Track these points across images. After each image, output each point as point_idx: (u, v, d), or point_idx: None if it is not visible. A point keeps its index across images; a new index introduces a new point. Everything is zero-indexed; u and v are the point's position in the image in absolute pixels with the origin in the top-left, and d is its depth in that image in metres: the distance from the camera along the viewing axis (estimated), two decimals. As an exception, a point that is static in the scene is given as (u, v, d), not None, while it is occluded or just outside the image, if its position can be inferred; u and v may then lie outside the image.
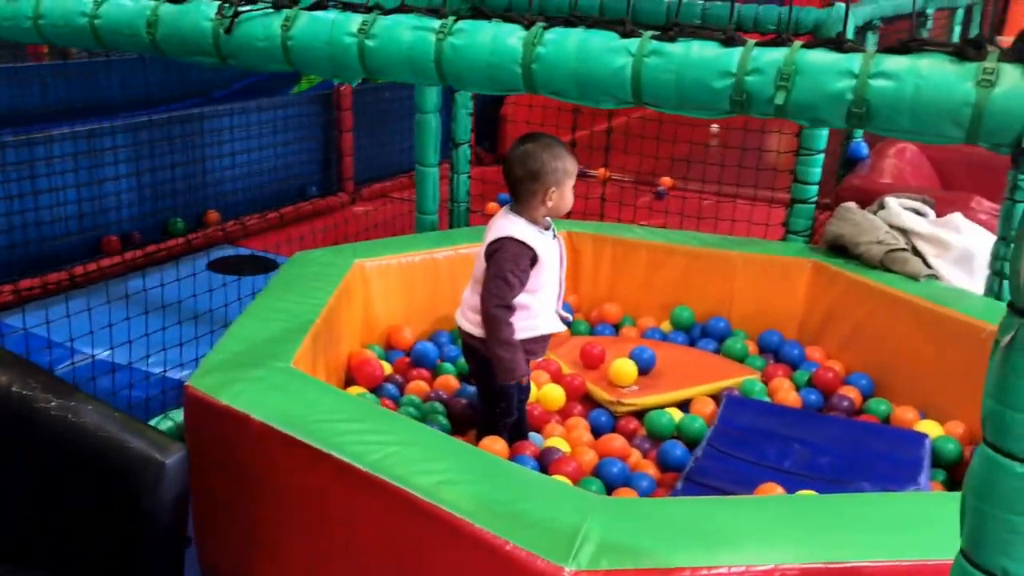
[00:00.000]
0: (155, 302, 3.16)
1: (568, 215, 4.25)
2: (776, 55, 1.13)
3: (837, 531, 1.66)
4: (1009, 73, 1.04)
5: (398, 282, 3.22)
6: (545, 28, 1.24)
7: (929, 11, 5.20)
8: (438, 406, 2.77)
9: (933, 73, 1.07)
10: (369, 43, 1.33)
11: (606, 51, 1.21)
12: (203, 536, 2.21)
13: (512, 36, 1.26)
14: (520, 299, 2.37)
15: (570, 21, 1.23)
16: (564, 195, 2.36)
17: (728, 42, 1.16)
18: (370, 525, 1.80)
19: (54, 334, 2.98)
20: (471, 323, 2.43)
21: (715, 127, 6.77)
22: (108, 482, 1.72)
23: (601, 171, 5.84)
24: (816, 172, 3.44)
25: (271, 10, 1.39)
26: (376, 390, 2.84)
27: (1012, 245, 1.05)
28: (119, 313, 3.05)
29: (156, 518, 1.72)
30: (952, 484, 2.54)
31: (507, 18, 1.27)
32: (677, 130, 4.38)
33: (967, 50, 1.06)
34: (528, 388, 2.63)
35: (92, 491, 1.74)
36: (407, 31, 1.31)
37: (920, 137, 1.10)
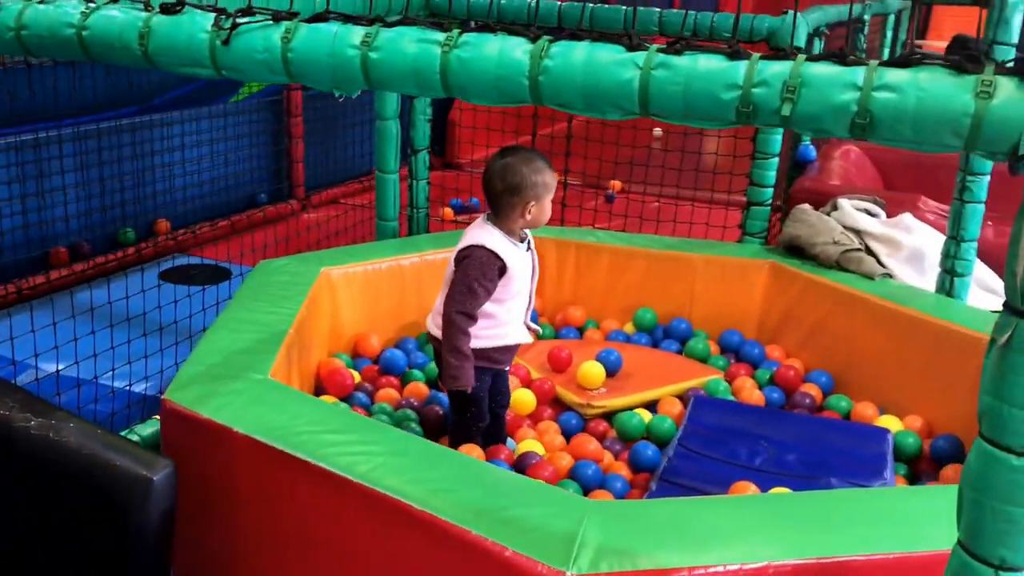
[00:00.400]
0: (111, 315, 3.09)
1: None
2: (781, 68, 1.17)
3: (826, 527, 1.71)
4: (1005, 85, 1.09)
5: (364, 290, 3.21)
6: (551, 41, 1.26)
7: (866, 17, 5.38)
8: (410, 414, 2.77)
9: (934, 85, 1.12)
10: (373, 55, 1.33)
11: (614, 64, 1.23)
12: (182, 551, 2.16)
13: (518, 49, 1.27)
14: (488, 308, 2.39)
15: (575, 35, 1.25)
16: (543, 209, 2.38)
17: (734, 55, 1.20)
18: (363, 537, 1.79)
19: (5, 350, 2.89)
20: (439, 328, 2.44)
21: (658, 131, 6.87)
22: (94, 500, 1.68)
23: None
24: (771, 175, 3.53)
25: (270, 22, 1.38)
26: (346, 399, 2.82)
27: (1010, 250, 1.11)
28: (78, 327, 2.98)
29: (144, 536, 1.69)
30: (913, 477, 2.63)
31: (511, 31, 1.28)
32: (624, 134, 4.44)
33: (964, 63, 1.11)
34: (508, 395, 2.65)
35: (77, 510, 1.70)
36: (411, 43, 1.32)
37: (920, 146, 1.15)
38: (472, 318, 2.34)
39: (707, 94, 1.20)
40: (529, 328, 2.53)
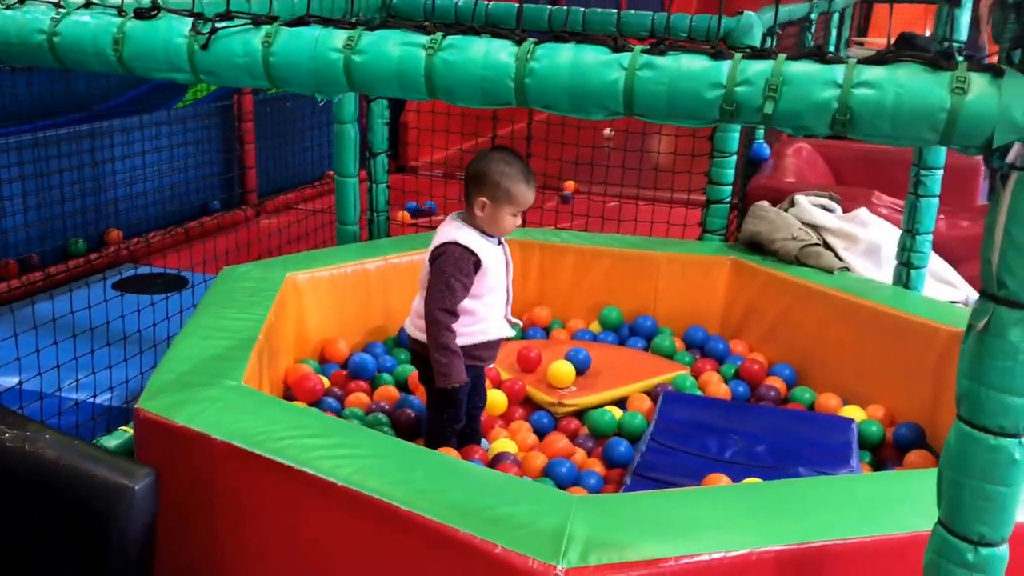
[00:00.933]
0: (68, 327, 3.02)
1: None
2: (763, 67, 1.21)
3: (804, 514, 1.75)
4: (978, 81, 1.14)
5: (330, 294, 3.19)
6: (536, 44, 1.28)
7: (813, 16, 5.50)
8: (382, 418, 2.76)
9: (911, 82, 1.16)
10: (356, 59, 1.34)
11: (600, 65, 1.25)
12: (163, 561, 2.13)
13: (504, 51, 1.29)
14: (467, 304, 2.40)
15: (559, 36, 1.27)
16: (496, 214, 2.37)
17: (717, 55, 1.23)
18: (349, 540, 1.79)
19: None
20: (419, 329, 2.44)
21: (608, 131, 6.94)
22: (74, 512, 1.65)
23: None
24: (729, 173, 3.59)
25: (250, 26, 1.38)
26: (316, 405, 2.80)
27: (989, 235, 1.16)
28: (35, 340, 2.91)
29: (126, 546, 1.67)
30: (878, 465, 2.70)
31: (496, 33, 1.30)
32: (584, 134, 4.47)
33: (940, 60, 1.15)
34: (484, 397, 2.65)
35: (58, 522, 1.67)
36: (395, 46, 1.32)
37: (898, 141, 1.19)
38: (454, 314, 2.35)
39: (691, 93, 1.23)
40: (510, 322, 2.54)
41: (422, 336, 2.43)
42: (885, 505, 1.80)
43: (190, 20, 1.43)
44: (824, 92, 1.18)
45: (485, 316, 2.45)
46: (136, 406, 2.06)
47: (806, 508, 1.79)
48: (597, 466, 2.63)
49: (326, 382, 2.94)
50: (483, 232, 2.41)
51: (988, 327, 1.17)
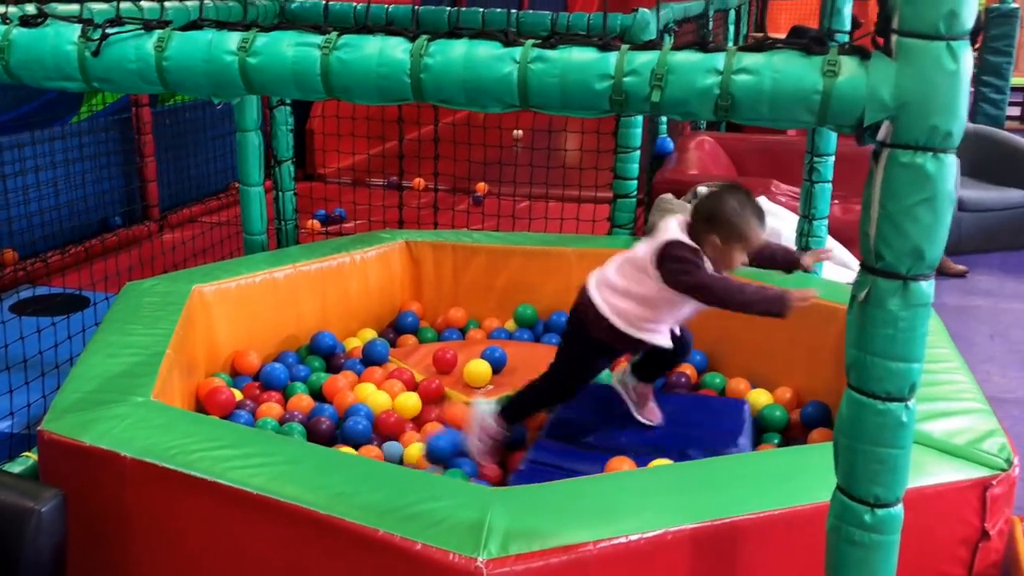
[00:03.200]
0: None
1: (400, 225, 4.33)
2: (649, 57, 1.25)
3: (714, 491, 1.81)
4: (848, 64, 1.20)
5: (239, 305, 3.13)
6: (430, 40, 1.29)
7: (710, 12, 5.66)
8: (297, 427, 2.72)
9: (786, 66, 1.22)
10: (252, 60, 1.33)
11: (492, 59, 1.28)
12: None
13: (398, 48, 1.30)
14: (657, 299, 2.38)
15: (454, 33, 1.29)
16: (727, 253, 2.33)
17: (604, 47, 1.26)
18: (270, 549, 1.77)
19: None
20: (606, 304, 2.44)
21: (518, 132, 7.00)
22: (-24, 542, 1.59)
23: (418, 181, 5.90)
24: (634, 168, 3.67)
25: (142, 31, 1.35)
26: (229, 418, 2.75)
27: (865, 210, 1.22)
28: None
29: (34, 570, 1.62)
30: (786, 444, 2.79)
31: (390, 32, 1.31)
32: (490, 134, 4.50)
33: (812, 45, 1.21)
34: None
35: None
36: (290, 47, 1.32)
37: (778, 124, 1.25)
38: (717, 279, 2.31)
39: (582, 84, 1.26)
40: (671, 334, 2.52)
41: (603, 308, 2.44)
42: (792, 478, 1.87)
43: (79, 27, 1.40)
44: (706, 79, 1.23)
45: (660, 320, 2.44)
46: (39, 428, 1.99)
47: (717, 485, 1.85)
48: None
49: (238, 394, 2.89)
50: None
51: (869, 298, 1.24)
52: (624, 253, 2.53)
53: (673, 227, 2.38)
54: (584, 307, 2.52)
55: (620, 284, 2.46)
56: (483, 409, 2.55)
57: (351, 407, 2.80)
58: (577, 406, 2.78)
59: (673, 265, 2.31)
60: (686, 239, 2.34)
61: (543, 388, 2.60)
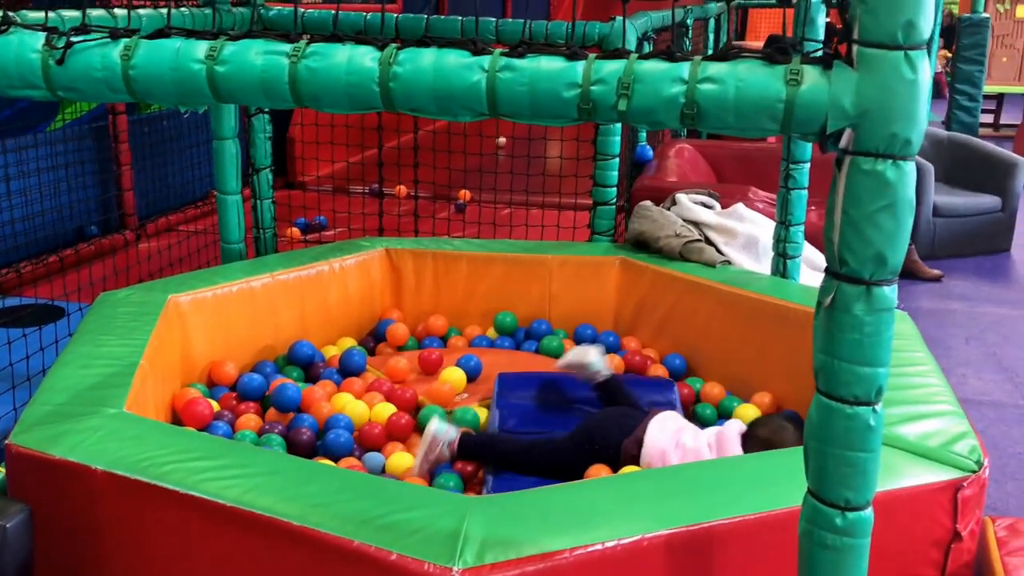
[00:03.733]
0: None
1: (381, 233, 4.32)
2: (616, 66, 1.25)
3: (689, 497, 1.81)
4: (811, 73, 1.21)
5: (215, 315, 3.11)
6: (399, 48, 1.29)
7: (689, 22, 5.70)
8: (276, 438, 2.71)
9: (750, 75, 1.23)
10: (220, 69, 1.32)
11: (461, 68, 1.28)
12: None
13: (367, 57, 1.30)
14: None
15: (422, 41, 1.29)
16: None
17: (572, 56, 1.27)
18: (246, 561, 1.75)
19: None
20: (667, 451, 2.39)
21: (501, 140, 7.01)
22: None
23: (400, 188, 5.90)
24: (614, 176, 3.68)
25: (108, 40, 1.35)
26: (206, 430, 2.73)
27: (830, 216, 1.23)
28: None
29: (2, 589, 1.60)
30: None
31: (359, 40, 1.31)
32: (471, 142, 4.51)
33: (775, 55, 1.22)
34: None
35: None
36: (258, 55, 1.32)
37: (744, 132, 1.26)
38: None
39: (550, 93, 1.27)
40: None
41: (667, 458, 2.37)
42: (766, 483, 1.88)
43: (43, 35, 1.39)
44: (672, 88, 1.24)
45: None
46: (7, 442, 1.97)
47: (692, 491, 1.85)
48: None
49: (215, 406, 2.87)
50: None
51: (834, 303, 1.25)
52: (693, 435, 2.44)
53: (734, 439, 2.37)
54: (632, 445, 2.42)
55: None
56: (441, 433, 2.50)
57: (331, 418, 2.78)
58: (523, 392, 2.81)
59: None
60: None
61: (510, 453, 2.49)
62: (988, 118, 10.02)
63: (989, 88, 9.37)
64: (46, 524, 1.91)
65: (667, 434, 2.40)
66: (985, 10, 7.98)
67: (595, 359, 2.44)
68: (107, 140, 5.38)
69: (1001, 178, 5.67)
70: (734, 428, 2.42)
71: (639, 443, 2.37)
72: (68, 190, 5.05)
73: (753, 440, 2.37)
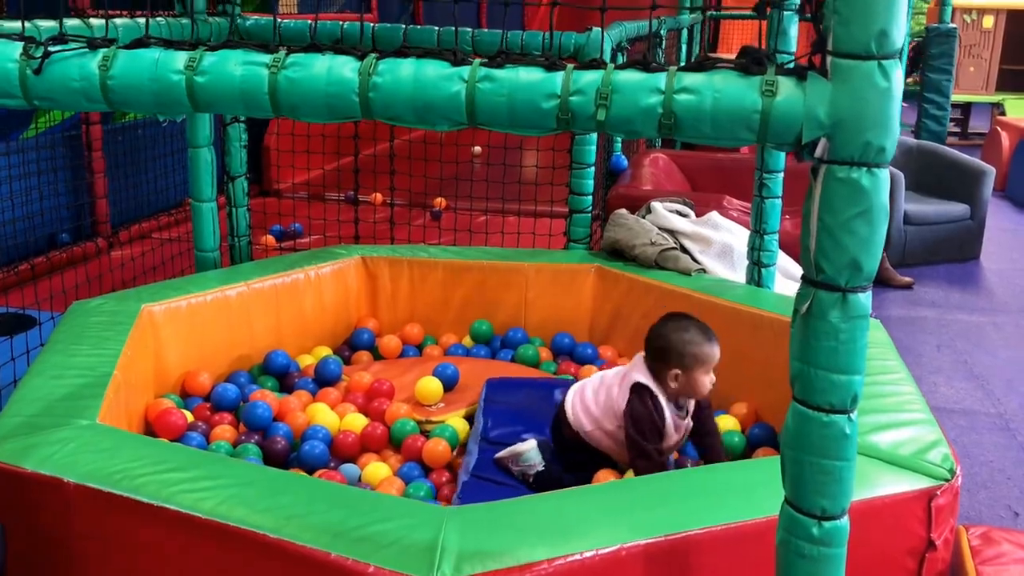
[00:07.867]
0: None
1: (357, 240, 4.30)
2: (594, 76, 1.26)
3: (667, 506, 1.81)
4: (786, 84, 1.23)
5: (189, 324, 3.08)
6: (378, 59, 1.29)
7: (663, 32, 5.74)
8: (252, 447, 2.69)
9: (726, 86, 1.24)
10: (199, 79, 1.32)
11: (441, 78, 1.28)
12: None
13: (346, 67, 1.30)
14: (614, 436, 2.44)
15: (402, 52, 1.29)
16: (691, 380, 2.34)
17: (550, 67, 1.27)
18: (217, 574, 1.74)
19: None
20: (590, 424, 2.48)
21: (477, 148, 7.02)
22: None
23: (376, 196, 5.89)
24: (589, 184, 3.70)
25: (86, 49, 1.33)
26: (180, 441, 2.70)
27: (806, 225, 1.24)
28: None
29: (-28, 604, 1.57)
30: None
31: (338, 50, 1.31)
32: (447, 151, 4.52)
33: (751, 66, 1.24)
34: None
35: None
36: (237, 66, 1.31)
37: (720, 142, 1.27)
38: (655, 450, 2.35)
39: (529, 104, 1.27)
40: None
41: (587, 427, 2.47)
42: (743, 493, 1.89)
43: (21, 44, 1.37)
44: (650, 98, 1.25)
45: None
46: (-23, 454, 1.94)
47: (670, 501, 1.86)
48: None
49: (189, 416, 2.84)
50: (676, 402, 2.39)
51: (810, 310, 1.26)
52: (602, 377, 2.52)
53: (639, 367, 2.40)
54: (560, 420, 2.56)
55: (595, 413, 2.48)
56: (528, 461, 2.49)
57: (308, 430, 2.76)
58: (508, 398, 2.82)
59: (633, 421, 2.35)
60: (650, 382, 2.36)
61: (556, 474, 2.50)
62: (955, 127, 10.19)
63: (957, 97, 9.53)
64: (18, 538, 1.88)
65: (573, 393, 2.52)
66: (952, 20, 8.12)
67: (530, 451, 2.49)
68: (80, 148, 5.33)
69: (970, 186, 5.77)
70: (638, 360, 2.44)
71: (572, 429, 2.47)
72: (40, 197, 4.99)
73: (652, 359, 2.37)
